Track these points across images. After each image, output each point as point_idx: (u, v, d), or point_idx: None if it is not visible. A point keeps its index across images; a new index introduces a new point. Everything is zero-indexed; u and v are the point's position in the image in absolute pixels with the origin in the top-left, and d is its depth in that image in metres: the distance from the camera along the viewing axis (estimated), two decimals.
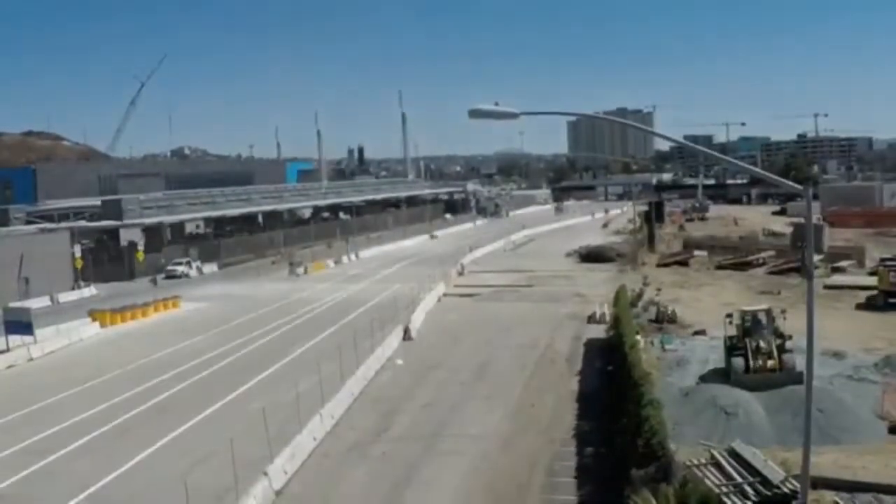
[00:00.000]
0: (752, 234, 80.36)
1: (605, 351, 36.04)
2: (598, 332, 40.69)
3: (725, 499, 18.76)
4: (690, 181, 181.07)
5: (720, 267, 62.66)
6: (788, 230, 75.94)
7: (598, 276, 60.98)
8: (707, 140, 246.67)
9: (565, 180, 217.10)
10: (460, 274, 66.46)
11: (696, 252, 68.84)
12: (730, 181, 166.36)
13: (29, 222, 75.22)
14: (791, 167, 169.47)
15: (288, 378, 33.30)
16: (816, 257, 51.47)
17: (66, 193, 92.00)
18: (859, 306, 44.73)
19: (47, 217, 77.56)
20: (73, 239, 66.59)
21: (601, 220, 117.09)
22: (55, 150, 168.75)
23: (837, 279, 52.50)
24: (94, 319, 47.91)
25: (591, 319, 43.83)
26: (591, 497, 20.62)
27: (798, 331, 26.19)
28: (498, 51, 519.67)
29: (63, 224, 73.32)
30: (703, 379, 29.00)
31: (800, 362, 26.20)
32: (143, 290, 64.59)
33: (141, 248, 73.58)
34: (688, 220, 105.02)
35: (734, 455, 21.27)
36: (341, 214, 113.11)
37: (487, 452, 24.24)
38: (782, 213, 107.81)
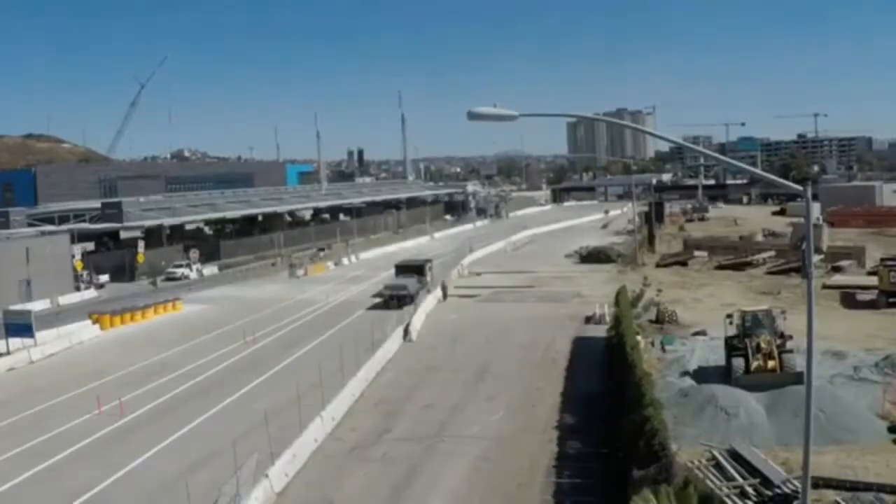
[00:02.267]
0: (751, 235, 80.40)
1: (605, 351, 36.05)
2: (598, 332, 40.70)
3: (726, 499, 18.78)
4: (690, 182, 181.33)
5: (720, 267, 62.71)
6: (788, 230, 76.02)
7: (598, 276, 60.95)
8: (707, 140, 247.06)
9: (565, 181, 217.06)
10: (461, 275, 66.49)
11: (696, 252, 68.85)
12: (729, 181, 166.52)
13: (30, 225, 75.14)
14: (791, 167, 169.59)
15: (289, 380, 33.33)
16: (816, 257, 51.50)
17: (66, 196, 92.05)
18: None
19: (48, 219, 77.42)
20: (73, 241, 66.56)
21: (599, 221, 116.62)
22: (55, 152, 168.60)
23: (837, 279, 52.52)
24: (94, 322, 47.91)
25: (590, 320, 43.85)
26: (593, 498, 20.62)
27: (798, 331, 26.28)
28: (497, 52, 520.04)
29: (63, 226, 73.23)
30: (703, 379, 29.00)
31: (800, 362, 26.24)
32: (143, 292, 64.68)
33: (141, 250, 73.57)
34: (687, 221, 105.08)
35: (735, 455, 21.30)
36: (341, 216, 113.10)
37: (488, 453, 24.26)
38: (782, 213, 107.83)
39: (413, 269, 56.93)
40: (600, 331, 40.83)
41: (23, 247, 60.59)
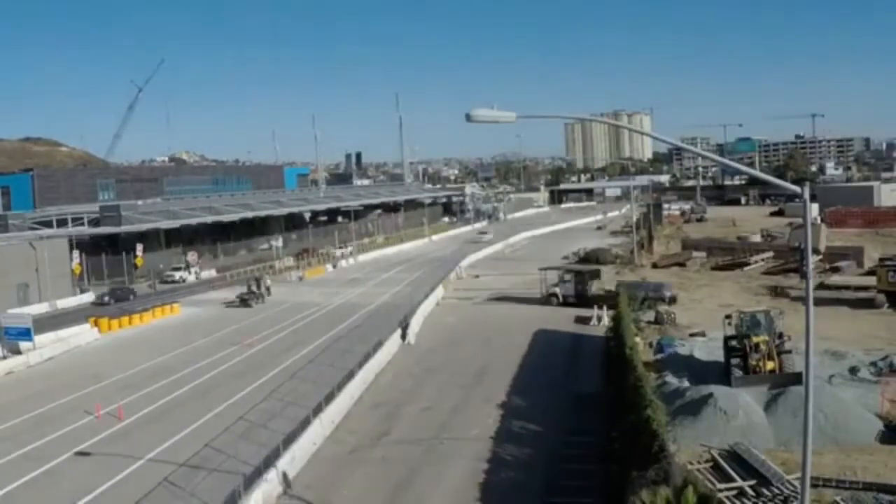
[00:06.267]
0: (750, 235, 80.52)
1: (605, 352, 36.07)
2: (597, 333, 40.75)
3: (725, 500, 18.77)
4: (689, 183, 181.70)
5: (717, 268, 62.78)
6: (787, 231, 76.09)
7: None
8: (705, 141, 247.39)
9: (562, 183, 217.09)
10: (459, 277, 66.53)
11: (695, 253, 68.93)
12: (728, 182, 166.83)
13: (28, 228, 75.07)
14: (789, 167, 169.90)
15: (287, 383, 33.39)
16: (814, 258, 51.56)
17: (64, 199, 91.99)
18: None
19: (46, 223, 77.43)
20: (71, 245, 66.51)
21: (597, 223, 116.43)
22: (53, 155, 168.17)
23: (836, 279, 52.55)
24: (93, 325, 47.87)
25: (587, 321, 43.85)
26: (592, 499, 20.59)
27: (796, 331, 26.26)
28: (494, 54, 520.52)
29: (62, 230, 73.21)
30: (702, 380, 29.01)
31: (799, 363, 26.25)
32: (141, 295, 64.62)
33: (140, 253, 73.55)
34: (686, 222, 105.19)
35: (734, 456, 21.30)
36: (339, 218, 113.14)
37: (487, 454, 24.23)
38: (780, 214, 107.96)
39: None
40: (600, 332, 40.96)
41: (21, 250, 60.53)
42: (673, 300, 47.05)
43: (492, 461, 23.76)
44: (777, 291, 49.34)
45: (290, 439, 24.24)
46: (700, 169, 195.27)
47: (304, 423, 25.88)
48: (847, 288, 48.97)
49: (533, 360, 36.33)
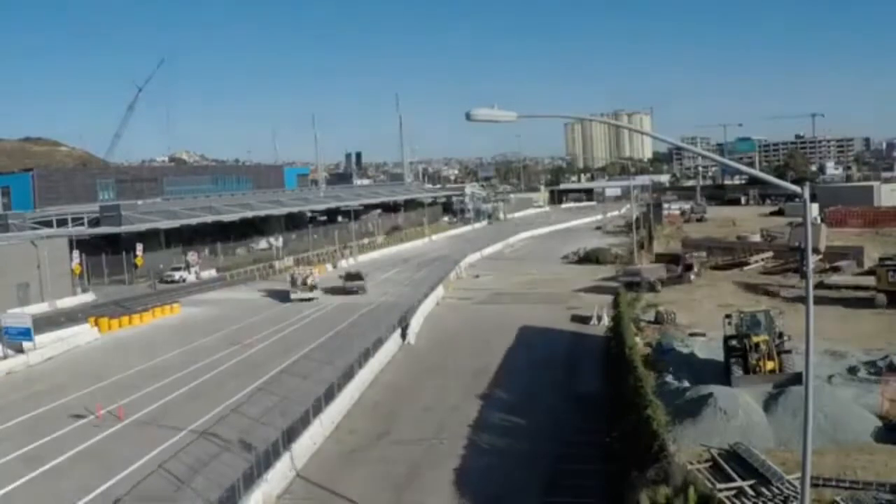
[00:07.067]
0: (749, 235, 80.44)
1: (605, 352, 36.09)
2: (597, 333, 40.77)
3: (725, 500, 18.78)
4: (688, 182, 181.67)
5: (717, 268, 62.75)
6: (786, 231, 76.03)
7: (596, 278, 60.94)
8: (705, 141, 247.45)
9: (563, 182, 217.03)
10: (459, 277, 66.55)
11: (695, 253, 68.83)
12: (728, 182, 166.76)
13: (29, 228, 75.01)
14: (789, 167, 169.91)
15: (286, 383, 33.39)
16: (815, 257, 51.57)
17: (64, 199, 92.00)
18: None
19: (46, 223, 77.42)
20: (71, 245, 66.50)
21: (598, 223, 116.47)
22: (53, 155, 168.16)
23: (836, 279, 52.54)
24: (93, 325, 47.86)
25: (587, 321, 43.88)
26: (592, 499, 20.61)
27: (796, 331, 26.27)
28: (495, 54, 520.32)
29: (62, 230, 73.18)
30: (702, 379, 29.03)
31: (798, 362, 26.26)
32: (141, 295, 64.63)
33: (140, 253, 73.54)
34: (686, 222, 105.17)
35: (734, 456, 21.31)
36: (339, 218, 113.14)
37: (487, 455, 24.25)
38: (780, 213, 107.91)
39: None
40: (599, 331, 40.98)
41: (21, 250, 60.51)
42: (653, 287, 48.09)
43: (491, 461, 23.78)
44: (768, 292, 49.22)
45: (290, 438, 24.21)
46: (700, 169, 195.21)
47: (305, 423, 25.87)
48: (847, 288, 48.96)
49: (533, 360, 36.34)
